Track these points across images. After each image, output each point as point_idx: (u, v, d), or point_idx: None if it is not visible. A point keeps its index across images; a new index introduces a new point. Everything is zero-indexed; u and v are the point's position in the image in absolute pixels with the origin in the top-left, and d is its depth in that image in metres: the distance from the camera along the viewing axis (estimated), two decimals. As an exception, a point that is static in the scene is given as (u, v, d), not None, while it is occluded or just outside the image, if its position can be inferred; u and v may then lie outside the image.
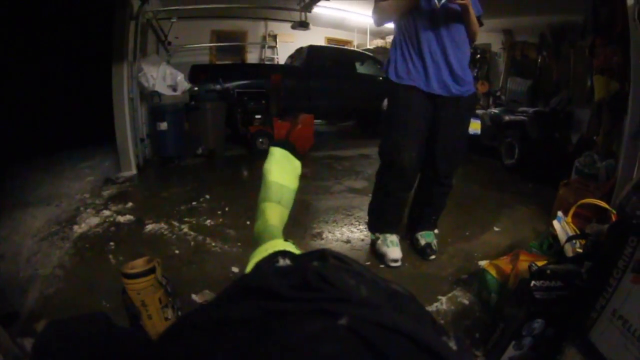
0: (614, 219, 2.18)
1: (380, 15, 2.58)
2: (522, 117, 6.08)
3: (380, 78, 8.29)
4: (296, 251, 1.16)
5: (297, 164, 1.73)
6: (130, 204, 3.76)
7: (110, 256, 2.70)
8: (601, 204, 2.45)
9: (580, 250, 1.96)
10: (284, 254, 0.86)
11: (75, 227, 3.23)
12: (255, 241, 1.46)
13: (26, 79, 6.99)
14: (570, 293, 1.59)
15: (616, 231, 1.48)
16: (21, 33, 6.86)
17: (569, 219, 2.44)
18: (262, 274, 0.78)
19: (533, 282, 1.61)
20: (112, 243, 2.91)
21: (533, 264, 1.72)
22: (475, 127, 5.02)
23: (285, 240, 1.30)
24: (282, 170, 1.68)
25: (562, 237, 2.24)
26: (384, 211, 2.74)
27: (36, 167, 5.38)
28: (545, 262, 1.81)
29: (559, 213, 2.52)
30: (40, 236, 3.11)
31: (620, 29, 3.72)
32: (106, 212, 3.54)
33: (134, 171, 5.07)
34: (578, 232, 2.28)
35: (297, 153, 1.74)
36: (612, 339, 1.33)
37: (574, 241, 2.07)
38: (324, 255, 0.79)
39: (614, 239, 1.44)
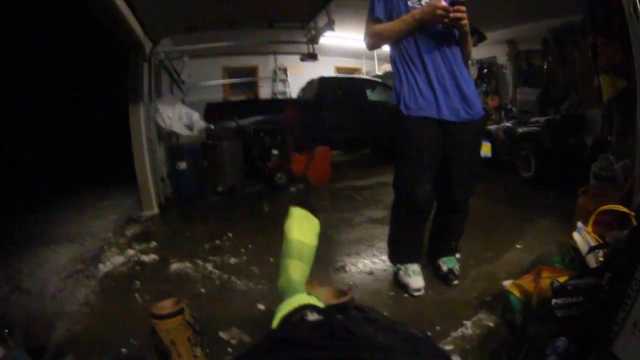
0: (634, 222, 2.17)
1: (375, 39, 2.61)
2: (535, 128, 6.07)
3: (392, 103, 8.35)
4: (319, 304, 1.24)
5: (315, 222, 1.83)
6: (154, 243, 3.82)
7: (137, 295, 2.74)
8: (620, 209, 2.44)
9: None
10: (311, 307, 0.96)
11: (100, 266, 3.29)
12: (279, 295, 1.54)
13: (49, 120, 7.23)
14: (593, 307, 1.59)
15: (634, 239, 1.47)
16: (46, 80, 7.12)
17: (589, 228, 2.41)
18: (294, 327, 0.88)
19: (554, 301, 1.62)
20: (137, 282, 2.95)
21: (555, 281, 1.72)
22: (485, 149, 5.03)
23: (309, 294, 1.38)
24: (302, 228, 1.78)
25: (583, 248, 2.21)
26: (403, 243, 2.73)
27: (59, 205, 5.55)
28: (567, 276, 1.81)
29: (579, 224, 2.48)
30: (66, 274, 3.17)
31: (619, 25, 3.71)
32: (130, 251, 3.61)
33: (155, 210, 5.17)
34: (600, 240, 2.26)
35: (316, 212, 1.84)
36: (636, 352, 1.33)
37: (596, 251, 2.04)
38: (346, 307, 0.91)
39: (632, 247, 1.44)
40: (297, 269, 1.66)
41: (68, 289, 2.89)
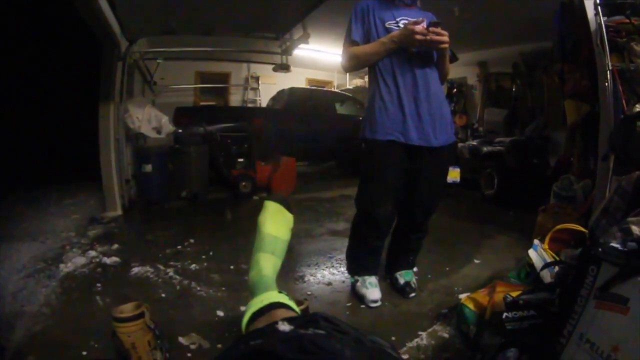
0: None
1: (352, 62, 2.61)
2: (499, 148, 6.22)
3: (360, 118, 8.45)
4: (289, 302, 1.29)
5: (289, 217, 1.85)
6: (116, 246, 3.77)
7: (98, 297, 2.70)
8: (576, 228, 2.54)
9: (558, 276, 2.02)
10: (284, 320, 1.01)
11: (62, 266, 3.24)
12: (250, 288, 1.57)
13: (13, 113, 7.06)
14: (543, 321, 1.67)
15: (583, 257, 1.56)
16: (8, 68, 6.96)
17: (546, 245, 2.52)
18: (266, 337, 0.93)
19: (505, 314, 1.69)
20: (98, 284, 2.91)
21: (507, 296, 1.80)
22: (454, 175, 5.14)
23: (279, 291, 1.39)
24: (275, 222, 1.79)
25: (538, 265, 2.31)
26: (361, 256, 2.76)
27: (20, 200, 5.44)
28: (521, 291, 1.89)
29: (535, 241, 2.59)
30: (26, 272, 3.13)
31: (586, 54, 3.85)
32: (92, 253, 3.56)
33: (119, 212, 5.13)
34: (556, 257, 2.36)
35: (290, 207, 1.85)
36: (581, 363, 1.41)
37: (551, 267, 2.13)
38: (316, 319, 0.95)
39: (581, 265, 1.53)
40: (269, 263, 1.68)
41: (28, 289, 2.85)
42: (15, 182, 6.28)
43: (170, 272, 3.18)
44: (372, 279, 2.71)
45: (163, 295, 2.79)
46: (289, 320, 1.01)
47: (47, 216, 4.86)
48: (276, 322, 0.99)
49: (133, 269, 3.21)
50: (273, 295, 1.33)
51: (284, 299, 1.31)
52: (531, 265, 2.42)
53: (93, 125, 5.15)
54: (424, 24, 2.34)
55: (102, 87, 5.14)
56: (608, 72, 3.23)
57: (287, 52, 7.64)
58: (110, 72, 5.18)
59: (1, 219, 4.57)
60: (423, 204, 2.65)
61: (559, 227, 2.65)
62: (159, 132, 5.83)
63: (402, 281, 2.81)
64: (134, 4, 4.60)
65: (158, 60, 7.58)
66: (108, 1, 4.22)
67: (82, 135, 5.88)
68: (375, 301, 2.61)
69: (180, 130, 6.51)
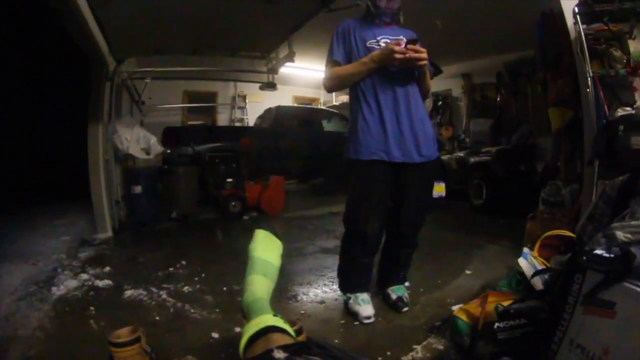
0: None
1: (334, 82, 2.64)
2: (486, 158, 6.30)
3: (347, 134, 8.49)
4: (284, 325, 1.31)
5: (278, 243, 1.90)
6: (108, 268, 3.76)
7: (92, 321, 2.68)
8: (565, 233, 2.57)
9: (549, 283, 2.05)
10: (279, 347, 1.05)
11: (54, 289, 3.22)
12: (244, 311, 1.59)
13: (3, 132, 7.06)
14: (535, 328, 1.69)
15: (569, 265, 1.60)
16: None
17: (536, 252, 2.54)
18: None
19: (497, 324, 1.72)
20: (92, 308, 2.89)
21: (499, 306, 1.83)
22: (439, 190, 5.18)
23: (274, 314, 1.41)
24: (265, 248, 1.84)
25: (528, 272, 2.32)
26: (352, 273, 2.76)
27: (9, 219, 5.48)
28: (512, 300, 1.91)
29: (525, 249, 2.61)
30: (18, 295, 3.12)
31: (568, 61, 3.94)
32: (84, 276, 3.54)
33: (109, 233, 5.10)
34: (547, 264, 2.38)
35: (279, 235, 1.91)
36: (574, 368, 1.44)
37: (543, 274, 2.15)
38: (310, 346, 0.99)
39: (568, 273, 1.56)
40: (262, 285, 1.70)
41: (21, 312, 2.83)
42: (5, 201, 6.26)
43: (164, 294, 3.16)
44: (365, 296, 2.71)
45: (157, 318, 2.77)
46: (284, 347, 1.04)
47: (38, 237, 4.87)
48: (272, 350, 1.02)
49: (126, 292, 3.19)
50: (269, 319, 1.34)
51: (279, 322, 1.33)
52: (521, 273, 2.44)
53: (82, 144, 5.14)
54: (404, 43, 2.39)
55: (90, 108, 5.14)
56: (589, 78, 3.32)
57: (273, 70, 7.70)
58: (99, 92, 5.19)
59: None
60: (410, 219, 2.68)
61: (548, 233, 2.68)
62: (147, 152, 5.82)
63: (394, 296, 2.81)
64: (122, 24, 4.63)
65: (146, 80, 7.60)
66: (97, 21, 4.24)
67: (71, 154, 5.88)
68: (369, 317, 2.61)
69: (169, 151, 6.53)
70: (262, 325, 1.28)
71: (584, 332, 1.44)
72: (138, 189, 5.56)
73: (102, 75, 5.19)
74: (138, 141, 5.76)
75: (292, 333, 1.32)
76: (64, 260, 4.03)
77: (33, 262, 3.95)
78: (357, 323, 2.62)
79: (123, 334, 1.96)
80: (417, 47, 2.35)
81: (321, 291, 3.22)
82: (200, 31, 5.71)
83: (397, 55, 2.32)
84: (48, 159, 7.78)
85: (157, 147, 5.99)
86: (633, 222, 1.62)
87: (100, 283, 3.38)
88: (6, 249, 4.28)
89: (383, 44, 2.49)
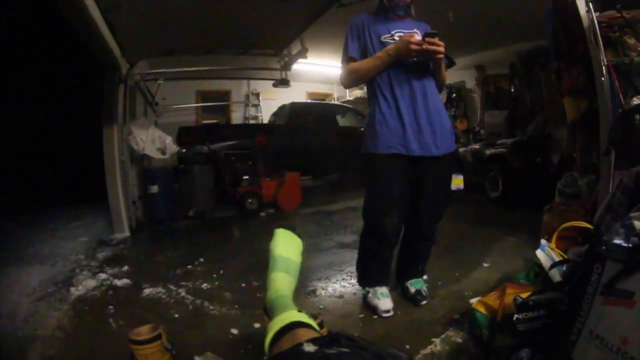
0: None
1: (350, 78, 2.65)
2: (502, 149, 6.24)
3: (362, 129, 8.48)
4: (310, 321, 1.31)
5: (299, 241, 1.91)
6: (126, 267, 3.80)
7: (111, 320, 2.71)
8: (582, 225, 2.55)
9: (567, 274, 2.03)
10: (308, 340, 1.06)
11: (72, 289, 3.26)
12: (268, 309, 1.59)
13: (20, 135, 7.15)
14: (554, 320, 1.68)
15: (588, 254, 1.59)
16: (15, 91, 7.06)
17: (553, 244, 2.52)
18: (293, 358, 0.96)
19: (516, 316, 1.71)
20: (111, 307, 2.92)
21: (517, 297, 1.81)
22: (457, 182, 5.11)
23: (299, 310, 1.41)
24: (286, 245, 1.85)
25: (546, 264, 2.31)
26: (371, 267, 2.76)
27: (27, 222, 5.56)
28: (530, 292, 1.90)
29: (542, 241, 2.59)
30: (37, 296, 3.16)
31: (581, 50, 3.88)
32: (103, 275, 3.58)
33: (127, 233, 5.17)
34: (564, 255, 2.37)
35: (298, 233, 1.92)
36: (593, 358, 1.43)
37: (560, 266, 2.14)
38: (338, 338, 0.99)
39: (587, 262, 1.55)
40: (285, 282, 1.70)
41: (40, 312, 2.87)
42: (22, 204, 6.35)
43: (182, 292, 3.18)
44: (383, 290, 2.71)
45: (176, 315, 2.79)
46: (313, 341, 1.04)
47: (55, 239, 4.93)
48: (301, 344, 1.02)
49: (144, 291, 3.21)
50: (293, 315, 1.34)
51: (304, 318, 1.33)
52: (539, 265, 2.43)
53: (98, 146, 5.21)
54: (419, 35, 2.39)
55: (104, 110, 5.19)
56: (603, 67, 3.26)
57: (286, 67, 7.71)
58: (113, 95, 5.24)
59: (10, 242, 4.64)
60: (429, 212, 2.66)
61: (565, 225, 2.66)
62: (163, 152, 5.87)
63: (412, 290, 2.81)
64: (133, 27, 4.66)
65: (159, 81, 7.66)
66: (108, 25, 4.27)
67: (87, 156, 5.94)
68: (388, 311, 2.61)
69: (184, 150, 6.57)
70: (287, 321, 1.28)
71: (603, 323, 1.42)
72: (154, 189, 5.61)
73: (115, 78, 5.25)
74: (153, 141, 5.80)
75: (317, 328, 1.32)
76: (82, 261, 4.08)
77: (51, 263, 4.00)
78: (376, 317, 2.62)
79: (143, 331, 1.98)
80: (435, 40, 2.34)
81: (340, 286, 3.21)
82: (212, 30, 5.73)
83: (413, 46, 2.32)
84: (65, 161, 7.87)
85: (172, 147, 6.03)
86: (651, 212, 1.60)
87: (118, 282, 3.41)
88: (24, 251, 4.34)
89: (397, 38, 2.48)
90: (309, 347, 0.99)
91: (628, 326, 1.34)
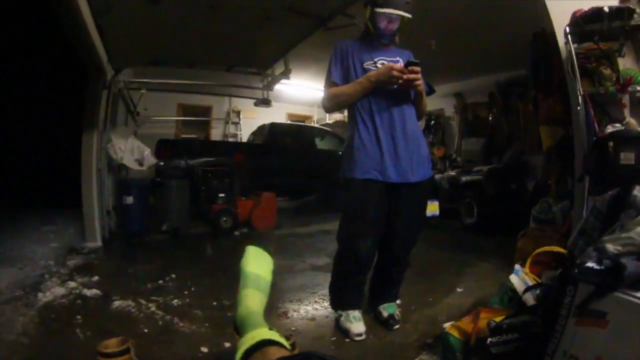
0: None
1: (332, 102, 2.67)
2: (477, 176, 6.34)
3: (340, 153, 8.53)
4: (281, 339, 1.31)
5: (269, 259, 1.94)
6: (96, 277, 3.73)
7: (78, 330, 2.64)
8: (556, 250, 2.58)
9: (541, 298, 2.06)
10: (280, 359, 1.07)
11: (40, 295, 3.19)
12: (238, 325, 1.59)
13: None
14: (527, 342, 1.70)
15: (562, 279, 1.62)
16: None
17: (527, 269, 2.55)
18: None
19: (490, 340, 1.72)
20: (79, 316, 2.85)
21: (491, 321, 1.83)
22: (433, 208, 5.20)
23: (270, 328, 1.41)
24: (257, 263, 1.87)
25: (520, 289, 2.32)
26: (344, 291, 2.76)
27: None
28: (504, 316, 1.92)
29: (517, 266, 2.62)
30: (3, 299, 3.11)
31: (558, 80, 4.01)
32: (72, 284, 3.51)
33: (99, 243, 5.09)
34: (538, 280, 2.39)
35: (269, 251, 1.96)
36: (567, 378, 1.45)
37: (534, 290, 2.16)
38: (309, 357, 1.00)
39: (560, 286, 1.58)
40: (255, 299, 1.70)
41: (6, 316, 2.81)
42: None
43: (152, 307, 3.12)
44: (356, 313, 2.70)
45: (145, 330, 2.73)
46: (285, 359, 1.05)
47: (26, 242, 4.85)
48: None
49: (114, 303, 3.15)
50: (265, 332, 1.34)
51: (275, 336, 1.32)
52: (513, 290, 2.44)
53: (74, 150, 5.15)
54: (402, 63, 2.44)
55: (86, 115, 5.14)
56: (580, 96, 3.35)
57: (268, 87, 7.77)
58: (95, 100, 5.20)
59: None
60: (403, 238, 2.69)
61: (539, 250, 2.70)
62: (141, 164, 5.82)
63: (385, 314, 2.80)
64: (121, 33, 4.67)
65: (142, 91, 7.65)
66: (98, 29, 4.27)
67: (63, 161, 5.87)
68: (360, 334, 2.60)
69: (162, 163, 6.54)
70: (258, 339, 1.28)
71: (577, 343, 1.46)
72: (130, 200, 5.55)
73: (99, 82, 5.22)
74: (132, 152, 5.76)
75: (289, 347, 1.32)
76: (51, 267, 4.01)
77: (20, 266, 3.94)
78: (348, 340, 2.60)
79: (112, 344, 1.95)
80: (416, 68, 2.38)
81: (312, 308, 3.19)
82: (198, 44, 5.76)
83: (394, 73, 2.36)
84: (38, 165, 7.77)
85: (150, 159, 6.00)
86: (623, 235, 1.65)
87: (88, 292, 3.35)
88: (-8, 252, 4.26)
89: (380, 66, 2.53)
90: None
91: (602, 344, 1.38)
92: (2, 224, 5.48)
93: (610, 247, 1.53)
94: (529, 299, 2.13)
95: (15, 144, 7.69)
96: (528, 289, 2.17)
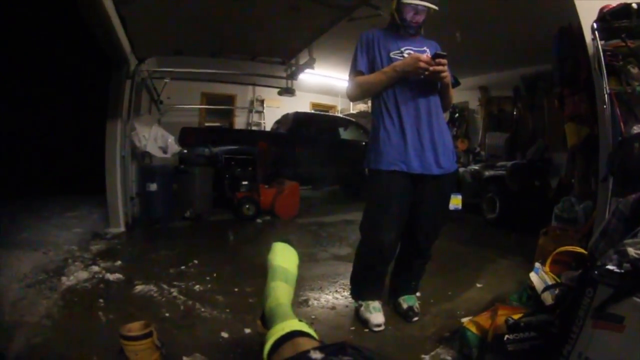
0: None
1: (357, 91, 2.66)
2: (501, 172, 6.26)
3: (364, 143, 8.51)
4: (310, 330, 1.31)
5: (295, 254, 1.96)
6: (119, 262, 3.79)
7: (100, 313, 2.70)
8: (577, 250, 2.56)
9: (560, 298, 2.04)
10: (315, 349, 1.07)
11: (64, 279, 3.26)
12: (267, 317, 1.60)
13: (19, 122, 7.15)
14: (544, 341, 1.69)
15: (581, 279, 1.60)
16: (19, 79, 7.06)
17: (547, 268, 2.53)
18: None
19: (506, 336, 1.72)
20: (101, 300, 2.92)
21: (509, 318, 1.82)
22: (456, 202, 5.15)
23: (299, 319, 1.42)
24: (284, 257, 1.89)
25: (539, 287, 2.31)
26: (365, 282, 2.77)
27: (22, 208, 5.57)
28: (522, 314, 1.91)
29: (537, 264, 2.60)
30: (27, 282, 3.16)
31: (585, 77, 3.93)
32: (95, 268, 3.58)
33: (122, 228, 5.18)
34: (557, 279, 2.37)
35: (295, 247, 1.97)
36: (582, 380, 1.45)
37: (552, 289, 2.14)
38: (344, 347, 1.02)
39: (579, 287, 1.57)
40: (284, 291, 1.72)
41: (29, 299, 2.87)
42: (18, 190, 6.35)
43: (174, 292, 3.17)
44: (376, 304, 2.71)
45: (167, 314, 2.78)
46: (320, 348, 1.05)
47: (50, 227, 4.94)
48: (308, 351, 1.03)
49: (136, 287, 3.20)
50: (294, 324, 1.34)
51: (304, 327, 1.33)
52: (532, 288, 2.43)
53: (99, 139, 5.23)
54: (429, 54, 2.41)
55: (110, 104, 5.22)
56: (606, 95, 3.27)
57: (292, 76, 7.76)
58: (119, 90, 5.27)
59: (2, 226, 4.63)
60: (426, 230, 2.67)
61: (560, 249, 2.67)
62: (164, 151, 5.87)
63: (405, 306, 2.81)
64: (144, 23, 4.70)
65: (165, 80, 7.67)
66: (120, 20, 4.31)
67: (87, 149, 5.95)
68: (379, 325, 2.61)
69: (185, 151, 6.57)
70: (288, 330, 1.29)
71: (592, 346, 1.45)
72: (153, 187, 5.61)
73: (122, 73, 5.27)
74: (156, 140, 5.81)
75: (317, 338, 1.32)
76: (75, 252, 4.09)
77: (44, 251, 4.01)
78: (367, 330, 2.62)
79: (135, 328, 1.98)
80: (443, 60, 2.36)
81: (332, 297, 3.21)
82: (222, 34, 5.79)
83: (421, 64, 2.33)
84: (65, 153, 7.88)
85: (174, 147, 6.04)
86: (645, 239, 1.62)
87: (110, 276, 3.41)
88: (17, 236, 4.35)
89: (407, 55, 2.50)
90: (316, 355, 1.00)
91: (617, 350, 1.37)
92: (26, 209, 5.57)
93: (632, 251, 1.51)
94: (548, 298, 2.12)
95: (41, 132, 7.81)
96: (547, 288, 2.15)
